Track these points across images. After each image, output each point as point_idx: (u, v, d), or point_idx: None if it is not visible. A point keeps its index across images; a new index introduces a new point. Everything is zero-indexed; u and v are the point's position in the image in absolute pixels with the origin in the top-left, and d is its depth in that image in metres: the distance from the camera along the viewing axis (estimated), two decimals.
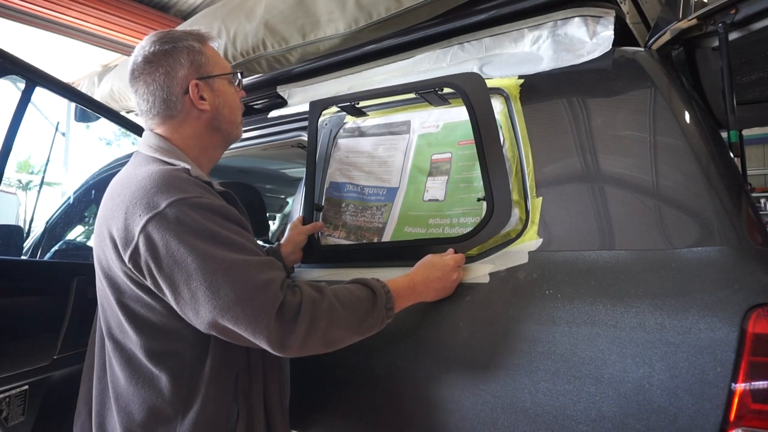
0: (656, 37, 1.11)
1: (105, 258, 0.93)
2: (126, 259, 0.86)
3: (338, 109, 1.51)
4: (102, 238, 0.92)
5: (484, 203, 1.11)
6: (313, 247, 1.36)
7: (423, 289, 1.03)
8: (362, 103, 1.38)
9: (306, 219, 1.39)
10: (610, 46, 1.15)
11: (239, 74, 1.12)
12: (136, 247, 0.84)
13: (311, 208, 1.39)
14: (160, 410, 0.89)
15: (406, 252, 1.20)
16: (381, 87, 1.40)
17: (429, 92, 1.22)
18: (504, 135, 1.18)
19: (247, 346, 0.91)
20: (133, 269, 0.86)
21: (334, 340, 0.89)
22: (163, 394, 0.89)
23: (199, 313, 0.82)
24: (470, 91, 1.14)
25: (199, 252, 0.82)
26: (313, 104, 1.41)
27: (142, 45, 1.02)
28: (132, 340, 0.91)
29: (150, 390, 0.89)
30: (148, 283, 0.86)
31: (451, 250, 1.12)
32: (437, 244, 1.15)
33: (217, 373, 0.91)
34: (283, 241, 1.35)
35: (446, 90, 1.22)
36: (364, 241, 1.35)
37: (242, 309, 0.81)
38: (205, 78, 1.03)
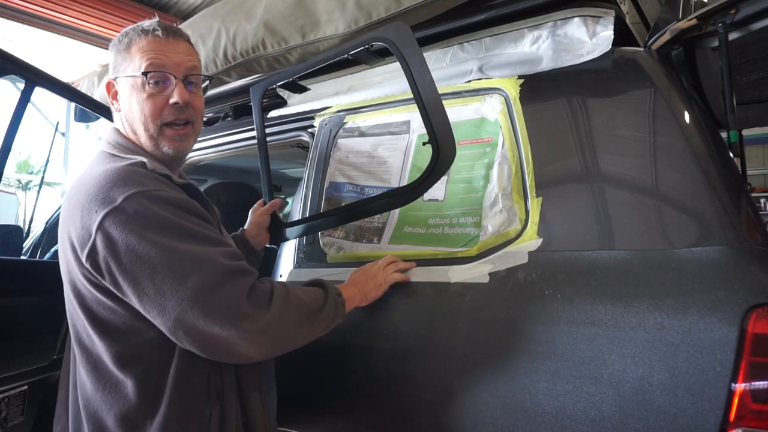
0: (656, 37, 1.11)
1: (66, 262, 0.90)
2: (83, 259, 0.82)
3: (338, 109, 1.52)
4: (63, 243, 0.89)
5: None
6: (278, 225, 1.39)
7: (363, 284, 1.11)
8: (360, 101, 1.37)
9: (266, 201, 1.43)
10: (610, 46, 1.15)
11: (146, 76, 0.93)
12: (94, 245, 0.80)
13: (270, 189, 1.43)
14: (129, 416, 0.85)
15: (360, 214, 1.24)
16: (315, 57, 1.36)
17: (361, 52, 1.21)
18: (504, 135, 1.18)
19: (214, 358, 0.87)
20: (91, 269, 0.83)
21: (304, 333, 0.92)
22: (130, 399, 0.85)
23: (165, 308, 0.79)
24: (399, 42, 1.11)
25: (162, 244, 0.79)
26: (253, 89, 1.43)
27: None
28: (98, 345, 0.87)
29: (117, 395, 0.86)
30: (107, 282, 0.82)
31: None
32: (382, 200, 1.18)
33: (186, 374, 0.88)
34: (246, 226, 1.37)
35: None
36: (364, 241, 1.35)
37: (213, 296, 0.79)
38: (117, 78, 0.98)
